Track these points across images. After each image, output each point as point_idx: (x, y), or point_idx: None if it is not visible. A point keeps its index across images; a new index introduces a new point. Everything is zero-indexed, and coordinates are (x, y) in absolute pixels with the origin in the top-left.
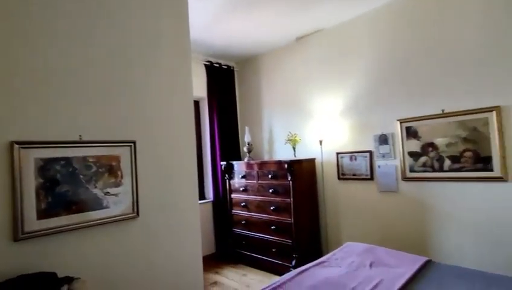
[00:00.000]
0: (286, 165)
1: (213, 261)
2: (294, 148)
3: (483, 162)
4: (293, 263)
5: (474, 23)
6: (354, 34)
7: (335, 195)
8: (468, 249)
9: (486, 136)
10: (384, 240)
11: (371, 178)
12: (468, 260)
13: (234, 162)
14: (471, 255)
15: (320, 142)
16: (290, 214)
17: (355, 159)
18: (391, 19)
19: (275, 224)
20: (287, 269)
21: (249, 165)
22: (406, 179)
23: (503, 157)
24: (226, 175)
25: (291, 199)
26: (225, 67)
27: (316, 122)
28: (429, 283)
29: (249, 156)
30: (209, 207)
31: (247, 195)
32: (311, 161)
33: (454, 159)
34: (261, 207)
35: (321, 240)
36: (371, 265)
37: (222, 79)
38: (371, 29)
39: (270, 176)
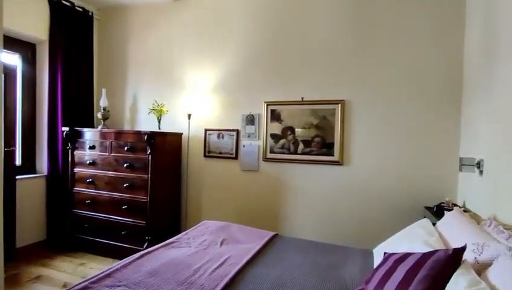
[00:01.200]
0: (146, 137)
1: (41, 250)
2: (159, 120)
3: (327, 147)
4: (145, 246)
5: (330, 17)
6: (229, 6)
7: (200, 173)
8: (310, 222)
9: (332, 125)
10: (242, 218)
11: (235, 157)
12: (308, 232)
13: (83, 129)
14: (311, 227)
15: (189, 116)
16: (146, 192)
17: (223, 137)
18: None
19: (127, 203)
20: None
21: (101, 135)
22: (266, 159)
23: (342, 145)
24: (69, 144)
25: (149, 175)
26: (80, 10)
27: (186, 95)
28: (272, 255)
29: (104, 125)
30: (42, 184)
31: (96, 170)
32: (178, 136)
33: (307, 143)
34: (112, 184)
35: (180, 220)
36: (222, 243)
37: (74, 24)
38: (246, 4)
39: (126, 148)
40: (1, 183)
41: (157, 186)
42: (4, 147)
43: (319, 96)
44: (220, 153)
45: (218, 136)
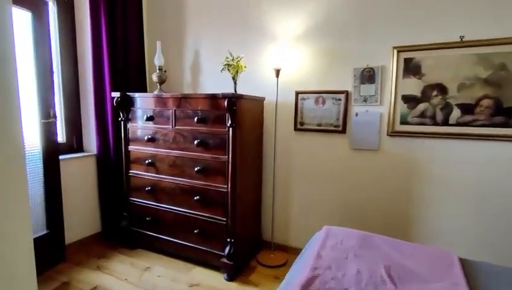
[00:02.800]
0: (226, 102)
1: (96, 247)
2: (235, 80)
3: (505, 114)
4: (227, 251)
5: None
6: None
7: (287, 153)
8: (472, 232)
9: None
10: (351, 219)
11: (342, 130)
12: (469, 248)
13: (135, 95)
14: (476, 241)
15: (277, 72)
16: (225, 179)
17: (323, 102)
18: None
19: (201, 193)
20: (216, 259)
21: (161, 101)
22: (393, 133)
23: None
24: (121, 115)
25: (230, 156)
26: None
27: (268, 45)
28: None
29: (161, 89)
30: (91, 165)
31: (156, 148)
32: (259, 102)
33: (466, 108)
34: (178, 167)
35: (261, 219)
36: (390, 276)
37: None
38: None
39: (196, 119)
40: (23, 164)
41: (240, 171)
42: (42, 118)
43: (492, 32)
44: (319, 125)
45: (317, 102)
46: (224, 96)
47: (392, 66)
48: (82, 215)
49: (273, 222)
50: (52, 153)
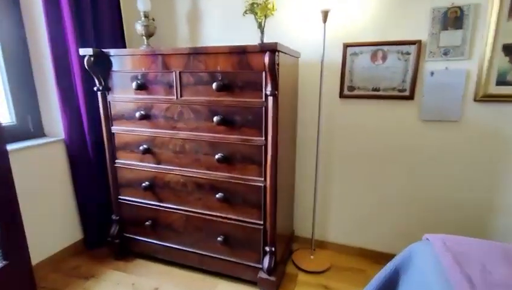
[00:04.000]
0: (268, 58)
1: (80, 259)
2: (262, 28)
3: None
4: (266, 263)
5: None
6: None
7: (329, 128)
8: None
9: None
10: (425, 213)
11: (410, 96)
12: None
13: (117, 52)
14: None
15: (325, 16)
16: (261, 169)
17: (384, 58)
18: None
19: (225, 188)
20: (250, 273)
21: (156, 60)
22: (484, 97)
23: None
24: (98, 82)
25: (269, 137)
26: None
27: None
28: None
29: (149, 45)
30: (59, 153)
31: (154, 128)
32: (296, 60)
33: None
34: (188, 154)
35: (294, 209)
36: None
37: None
38: None
39: (216, 84)
40: None
41: (281, 159)
42: None
43: None
44: (376, 89)
45: (374, 57)
46: (264, 48)
47: (491, 4)
48: (54, 223)
49: (314, 215)
50: None
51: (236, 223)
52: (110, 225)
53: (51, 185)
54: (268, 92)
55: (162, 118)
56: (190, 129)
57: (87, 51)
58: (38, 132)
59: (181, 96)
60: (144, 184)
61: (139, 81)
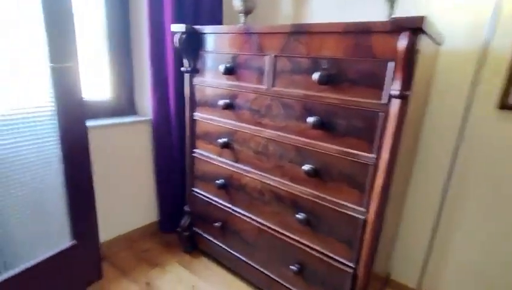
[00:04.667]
0: (404, 42)
1: (152, 242)
2: (392, 2)
3: None
4: None
5: None
6: None
7: (474, 149)
8: None
9: None
10: None
11: None
12: None
13: (208, 29)
14: None
15: None
16: (362, 195)
17: None
18: None
19: (310, 209)
20: None
21: (249, 40)
22: None
23: None
24: (186, 62)
25: (383, 155)
26: None
27: None
28: None
29: (246, 23)
30: (145, 133)
31: (237, 121)
32: (435, 47)
33: None
34: (271, 157)
35: (391, 257)
36: None
37: None
38: None
39: (319, 75)
40: None
41: (394, 186)
42: (52, 61)
43: None
44: None
45: None
46: (401, 25)
47: None
48: (134, 201)
49: (428, 258)
50: (73, 117)
51: (318, 255)
52: (181, 215)
53: (134, 164)
54: (394, 92)
55: (247, 109)
56: (277, 128)
57: (179, 28)
58: (131, 109)
59: (272, 86)
60: (218, 181)
61: (228, 65)
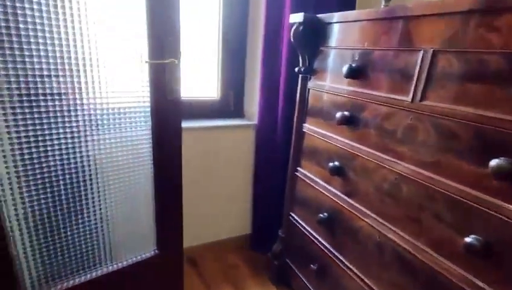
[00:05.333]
0: None
1: (239, 258)
2: None
3: None
4: None
5: None
6: None
7: None
8: None
9: None
10: None
11: None
12: None
13: (334, 17)
14: None
15: None
16: None
17: None
18: None
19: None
20: None
21: (387, 26)
22: None
23: None
24: (301, 61)
25: None
26: None
27: None
28: None
29: (386, 4)
30: (249, 139)
31: (357, 142)
32: None
33: None
34: (405, 206)
35: None
36: None
37: None
38: None
39: None
40: None
41: None
42: (150, 57)
43: None
44: None
45: None
46: None
47: None
48: (230, 209)
49: None
50: (167, 117)
51: None
52: (274, 240)
53: (231, 171)
54: None
55: (375, 129)
56: (420, 163)
57: (297, 17)
58: (238, 111)
59: (422, 98)
60: (321, 215)
61: (353, 64)
